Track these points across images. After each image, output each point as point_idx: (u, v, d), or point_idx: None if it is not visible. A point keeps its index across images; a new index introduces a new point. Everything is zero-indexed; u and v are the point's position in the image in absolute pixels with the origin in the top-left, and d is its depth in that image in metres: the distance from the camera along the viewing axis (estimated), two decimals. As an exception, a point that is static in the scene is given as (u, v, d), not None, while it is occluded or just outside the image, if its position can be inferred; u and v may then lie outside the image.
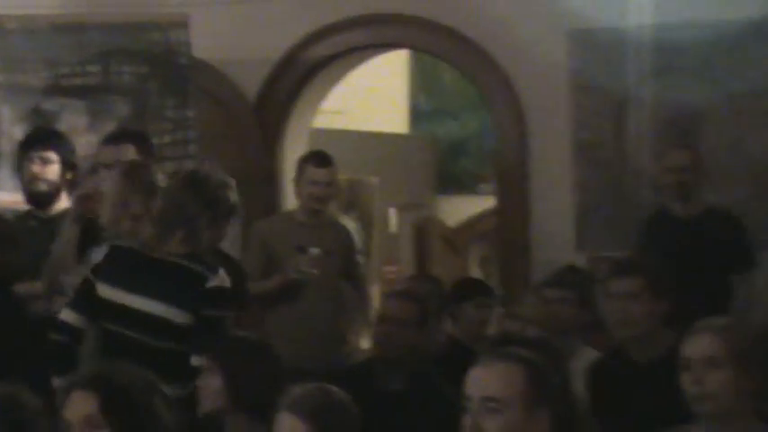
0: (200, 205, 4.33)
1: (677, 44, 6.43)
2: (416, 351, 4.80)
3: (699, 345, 3.52)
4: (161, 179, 4.83)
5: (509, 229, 7.04)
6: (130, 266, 4.20)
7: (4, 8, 6.58)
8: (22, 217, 5.55)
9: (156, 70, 6.49)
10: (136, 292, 4.15)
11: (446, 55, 7.29)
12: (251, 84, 7.07)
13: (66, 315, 4.15)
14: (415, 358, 4.76)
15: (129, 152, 5.34)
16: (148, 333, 4.11)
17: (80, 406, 2.87)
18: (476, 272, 9.69)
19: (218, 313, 4.23)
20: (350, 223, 7.66)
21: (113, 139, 5.63)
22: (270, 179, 7.02)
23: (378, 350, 5.00)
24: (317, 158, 6.10)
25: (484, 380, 2.91)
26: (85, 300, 4.17)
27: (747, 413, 3.44)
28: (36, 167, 5.29)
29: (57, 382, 3.97)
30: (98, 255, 4.41)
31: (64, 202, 5.19)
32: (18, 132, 6.19)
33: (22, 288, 4.84)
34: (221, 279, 4.21)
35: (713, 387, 3.40)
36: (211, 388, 3.62)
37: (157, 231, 4.30)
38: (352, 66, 7.61)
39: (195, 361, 4.07)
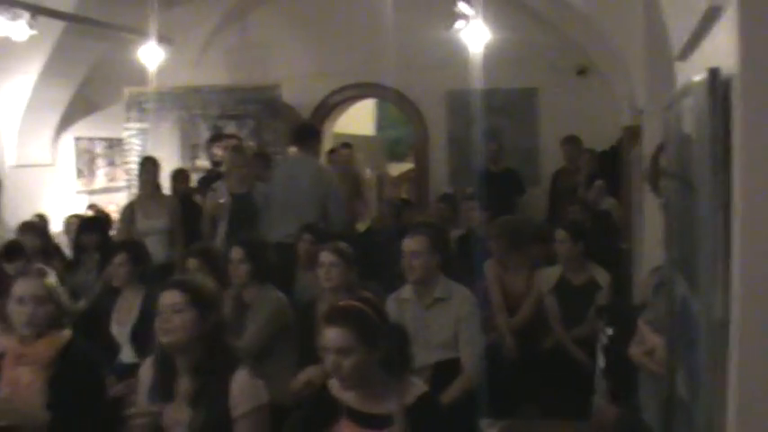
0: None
1: (493, 97, 7.79)
2: (393, 227, 5.98)
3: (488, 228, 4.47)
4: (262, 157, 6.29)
5: (420, 177, 8.51)
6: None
7: (197, 80, 8.08)
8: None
9: (266, 107, 7.87)
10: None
11: (390, 100, 8.77)
12: (307, 113, 8.49)
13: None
14: (390, 229, 5.87)
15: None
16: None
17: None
18: (405, 196, 9.26)
19: None
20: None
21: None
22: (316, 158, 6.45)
23: (374, 226, 6.72)
24: (343, 146, 7.97)
25: (412, 243, 3.44)
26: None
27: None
28: (217, 150, 6.99)
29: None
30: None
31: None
32: (206, 135, 7.79)
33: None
34: None
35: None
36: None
37: (245, 179, 5.72)
38: (351, 105, 9.26)
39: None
